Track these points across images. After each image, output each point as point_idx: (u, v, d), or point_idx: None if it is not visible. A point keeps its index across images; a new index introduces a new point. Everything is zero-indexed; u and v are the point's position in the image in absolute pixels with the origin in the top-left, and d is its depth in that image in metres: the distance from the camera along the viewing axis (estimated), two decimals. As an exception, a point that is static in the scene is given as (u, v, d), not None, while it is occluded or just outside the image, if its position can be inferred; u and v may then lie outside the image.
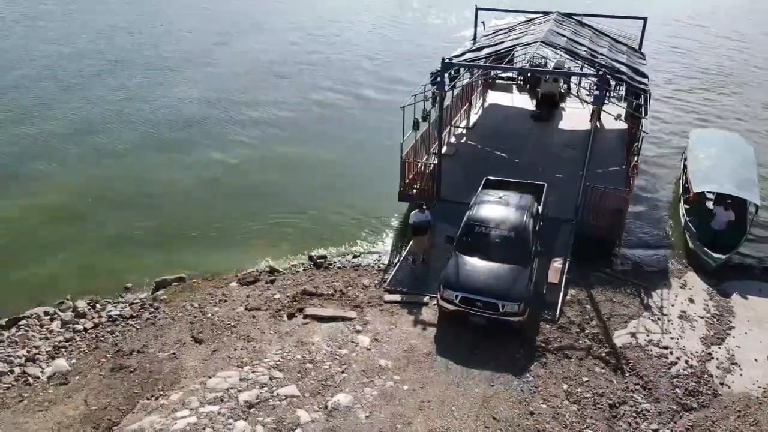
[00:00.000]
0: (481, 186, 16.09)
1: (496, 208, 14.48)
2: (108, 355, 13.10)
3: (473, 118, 24.21)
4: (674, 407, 11.69)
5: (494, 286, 12.95)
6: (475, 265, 13.50)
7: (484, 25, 25.13)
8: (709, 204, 18.44)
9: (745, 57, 38.25)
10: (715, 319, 14.26)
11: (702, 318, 14.29)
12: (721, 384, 12.31)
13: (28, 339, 13.94)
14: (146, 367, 12.54)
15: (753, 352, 13.21)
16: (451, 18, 46.48)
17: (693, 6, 50.20)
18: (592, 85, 18.08)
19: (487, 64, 19.53)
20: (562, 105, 25.36)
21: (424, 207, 15.57)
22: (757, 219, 17.28)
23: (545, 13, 24.06)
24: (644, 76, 19.94)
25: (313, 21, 44.98)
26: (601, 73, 16.68)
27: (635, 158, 17.89)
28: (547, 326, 13.66)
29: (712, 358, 13.01)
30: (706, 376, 12.48)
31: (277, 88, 31.06)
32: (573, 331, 13.61)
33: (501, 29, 23.89)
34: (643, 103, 18.43)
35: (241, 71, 33.42)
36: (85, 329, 14.24)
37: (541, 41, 18.79)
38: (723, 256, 15.74)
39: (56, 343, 13.69)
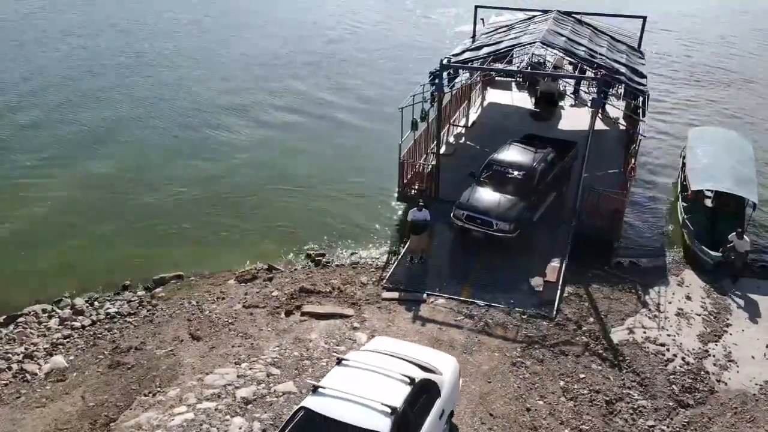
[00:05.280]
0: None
1: (512, 153, 17.29)
2: (105, 352, 13.14)
3: (472, 116, 24.17)
4: (671, 404, 11.72)
5: (492, 209, 15.73)
6: (483, 193, 16.25)
7: (483, 21, 25.10)
8: (708, 202, 18.46)
9: (744, 54, 38.21)
10: (712, 317, 14.28)
11: (699, 315, 14.31)
12: (718, 381, 12.34)
13: (26, 336, 14.00)
14: (144, 364, 12.57)
15: (750, 349, 13.24)
16: (450, 13, 46.45)
17: (693, 5, 50.16)
18: (590, 86, 18.05)
19: (485, 65, 19.44)
20: (561, 104, 25.32)
21: (422, 205, 15.63)
22: (755, 217, 17.28)
23: (544, 11, 24.02)
24: (643, 76, 19.83)
25: (311, 20, 44.98)
26: (599, 75, 16.64)
27: (633, 160, 17.88)
28: (545, 323, 13.68)
29: (709, 355, 13.04)
30: (702, 373, 12.50)
31: (275, 88, 31.02)
32: (570, 328, 13.63)
33: (500, 27, 23.79)
34: (641, 104, 18.38)
35: (237, 71, 33.38)
36: (83, 326, 14.30)
37: (541, 42, 18.74)
38: (721, 254, 15.74)
39: (54, 340, 13.75)
